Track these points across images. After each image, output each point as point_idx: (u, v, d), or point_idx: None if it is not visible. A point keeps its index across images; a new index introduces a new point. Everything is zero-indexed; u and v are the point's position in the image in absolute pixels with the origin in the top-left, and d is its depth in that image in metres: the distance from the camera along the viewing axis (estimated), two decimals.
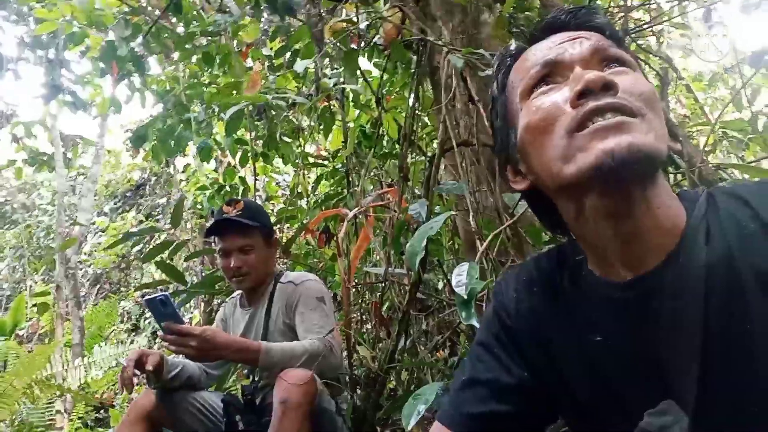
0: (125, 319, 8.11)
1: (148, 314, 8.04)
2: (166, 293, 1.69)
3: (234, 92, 2.93)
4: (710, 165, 1.60)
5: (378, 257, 2.97)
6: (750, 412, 0.61)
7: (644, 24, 3.08)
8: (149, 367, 1.80)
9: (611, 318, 0.72)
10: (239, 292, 2.28)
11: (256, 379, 2.08)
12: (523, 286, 0.85)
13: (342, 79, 2.60)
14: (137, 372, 1.81)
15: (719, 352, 0.62)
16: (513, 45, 0.84)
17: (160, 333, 1.72)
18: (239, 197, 3.84)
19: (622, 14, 2.76)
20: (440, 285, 3.05)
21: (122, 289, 8.79)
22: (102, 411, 4.91)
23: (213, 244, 2.28)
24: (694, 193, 0.73)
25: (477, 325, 1.18)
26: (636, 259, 0.69)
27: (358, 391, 2.21)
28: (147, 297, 1.68)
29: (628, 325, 0.70)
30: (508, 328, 0.84)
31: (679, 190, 0.75)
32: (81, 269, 8.55)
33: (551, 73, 0.73)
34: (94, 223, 9.12)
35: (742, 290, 0.62)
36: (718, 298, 0.62)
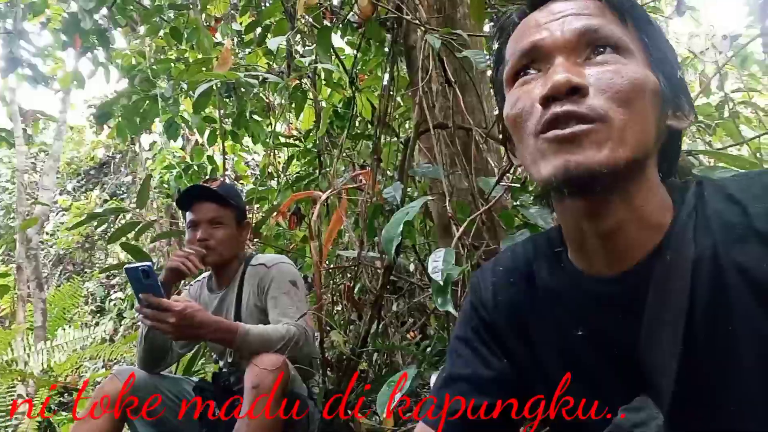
0: (90, 300, 7.95)
1: (114, 296, 7.90)
2: (149, 263, 1.60)
3: (203, 69, 2.85)
4: (683, 151, 1.61)
5: (349, 239, 2.95)
6: (725, 412, 0.61)
7: None
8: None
9: (594, 312, 0.71)
10: (205, 275, 2.23)
11: (229, 360, 2.04)
12: (500, 277, 0.84)
13: (315, 57, 2.54)
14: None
15: (699, 351, 0.61)
16: (513, 13, 0.78)
17: (136, 305, 1.64)
18: (209, 177, 3.77)
19: None
20: (411, 267, 3.04)
21: (86, 270, 8.59)
22: (66, 395, 4.82)
23: (182, 224, 2.23)
24: (683, 183, 0.71)
25: (453, 311, 1.17)
26: (618, 255, 0.68)
27: (330, 375, 2.20)
28: (128, 265, 1.59)
29: (611, 320, 0.69)
30: (487, 322, 0.83)
31: (668, 180, 0.73)
32: (43, 249, 8.32)
33: (534, 59, 0.69)
34: (56, 202, 8.86)
35: (725, 289, 0.61)
36: (703, 296, 0.62)
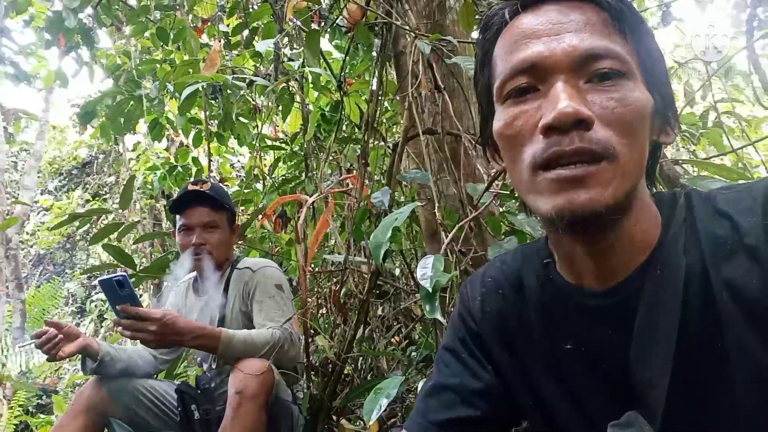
0: (70, 301, 7.84)
1: (95, 297, 7.80)
2: (123, 274, 1.56)
3: (190, 71, 2.82)
4: (669, 160, 1.63)
5: (335, 242, 2.94)
6: (717, 427, 0.61)
7: None
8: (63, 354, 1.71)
9: (583, 326, 0.70)
10: (191, 276, 2.20)
11: (213, 366, 2.02)
12: (488, 288, 0.83)
13: (303, 60, 2.52)
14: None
15: (690, 367, 0.61)
16: (502, 8, 0.69)
17: (114, 317, 1.60)
18: (195, 178, 3.73)
19: None
20: (397, 272, 3.03)
21: (67, 270, 8.47)
22: (44, 397, 4.73)
23: (165, 226, 2.20)
24: (671, 196, 0.70)
25: (441, 318, 1.17)
26: (609, 271, 0.67)
27: (314, 379, 2.18)
28: (101, 278, 1.54)
29: (600, 334, 0.68)
30: (474, 332, 0.83)
31: (655, 193, 0.72)
32: (23, 249, 8.19)
33: (530, 75, 0.63)
34: (37, 202, 8.73)
35: (715, 306, 0.60)
36: (694, 312, 0.61)
